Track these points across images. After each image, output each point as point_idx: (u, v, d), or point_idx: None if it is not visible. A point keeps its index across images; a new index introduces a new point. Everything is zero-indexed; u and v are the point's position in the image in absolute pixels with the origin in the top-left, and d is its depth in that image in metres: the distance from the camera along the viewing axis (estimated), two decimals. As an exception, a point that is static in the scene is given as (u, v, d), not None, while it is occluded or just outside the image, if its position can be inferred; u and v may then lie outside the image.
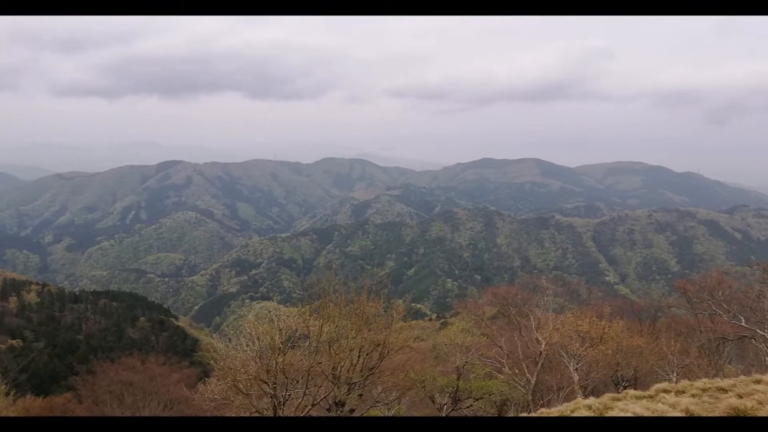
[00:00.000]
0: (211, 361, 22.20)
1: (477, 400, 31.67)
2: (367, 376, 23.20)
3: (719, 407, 11.51)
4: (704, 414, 11.54)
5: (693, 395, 13.28)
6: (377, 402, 26.01)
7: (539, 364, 30.61)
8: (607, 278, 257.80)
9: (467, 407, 31.76)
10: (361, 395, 23.61)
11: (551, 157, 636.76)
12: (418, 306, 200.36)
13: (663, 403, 12.27)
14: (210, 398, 20.64)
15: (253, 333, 20.72)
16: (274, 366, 19.80)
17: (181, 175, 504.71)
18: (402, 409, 30.57)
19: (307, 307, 22.78)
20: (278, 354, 19.91)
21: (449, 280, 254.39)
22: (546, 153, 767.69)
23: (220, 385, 20.68)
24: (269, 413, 19.97)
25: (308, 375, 20.53)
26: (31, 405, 39.08)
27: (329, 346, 22.01)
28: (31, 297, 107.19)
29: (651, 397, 13.54)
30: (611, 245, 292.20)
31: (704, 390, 13.64)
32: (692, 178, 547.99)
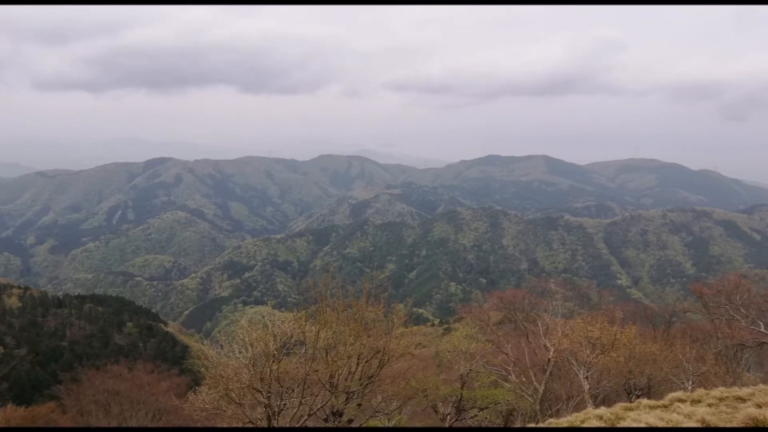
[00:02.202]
0: (202, 369, 22.18)
1: (482, 409, 31.69)
2: (366, 384, 23.21)
3: (737, 417, 11.51)
4: (721, 425, 11.55)
5: (709, 405, 13.29)
6: (377, 412, 26.03)
7: (547, 372, 30.64)
8: (619, 281, 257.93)
9: (471, 417, 31.79)
10: (360, 405, 23.63)
11: (560, 154, 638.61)
12: (420, 311, 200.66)
13: (678, 413, 12.27)
14: (201, 408, 20.66)
15: (246, 339, 20.74)
16: (268, 374, 19.81)
17: (171, 172, 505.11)
18: (403, 419, 30.60)
19: (303, 312, 22.81)
20: (273, 361, 19.93)
21: (453, 283, 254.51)
22: (555, 150, 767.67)
23: (212, 394, 20.70)
24: (263, 424, 19.99)
25: (304, 383, 20.54)
26: (12, 415, 39.10)
27: (326, 353, 22.02)
28: (13, 301, 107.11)
29: (665, 406, 13.55)
30: (623, 247, 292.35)
31: (721, 399, 13.65)
32: (709, 177, 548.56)
